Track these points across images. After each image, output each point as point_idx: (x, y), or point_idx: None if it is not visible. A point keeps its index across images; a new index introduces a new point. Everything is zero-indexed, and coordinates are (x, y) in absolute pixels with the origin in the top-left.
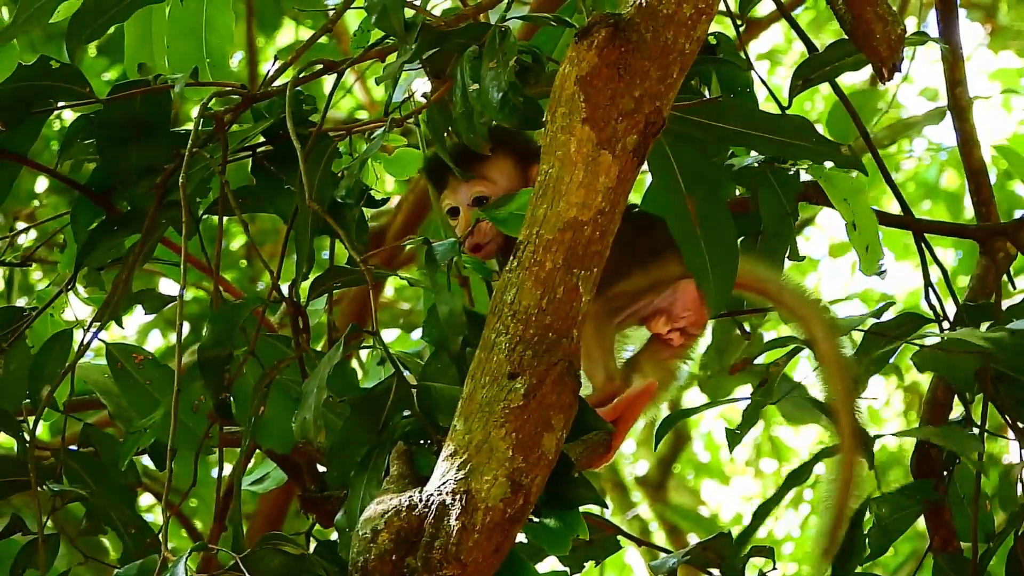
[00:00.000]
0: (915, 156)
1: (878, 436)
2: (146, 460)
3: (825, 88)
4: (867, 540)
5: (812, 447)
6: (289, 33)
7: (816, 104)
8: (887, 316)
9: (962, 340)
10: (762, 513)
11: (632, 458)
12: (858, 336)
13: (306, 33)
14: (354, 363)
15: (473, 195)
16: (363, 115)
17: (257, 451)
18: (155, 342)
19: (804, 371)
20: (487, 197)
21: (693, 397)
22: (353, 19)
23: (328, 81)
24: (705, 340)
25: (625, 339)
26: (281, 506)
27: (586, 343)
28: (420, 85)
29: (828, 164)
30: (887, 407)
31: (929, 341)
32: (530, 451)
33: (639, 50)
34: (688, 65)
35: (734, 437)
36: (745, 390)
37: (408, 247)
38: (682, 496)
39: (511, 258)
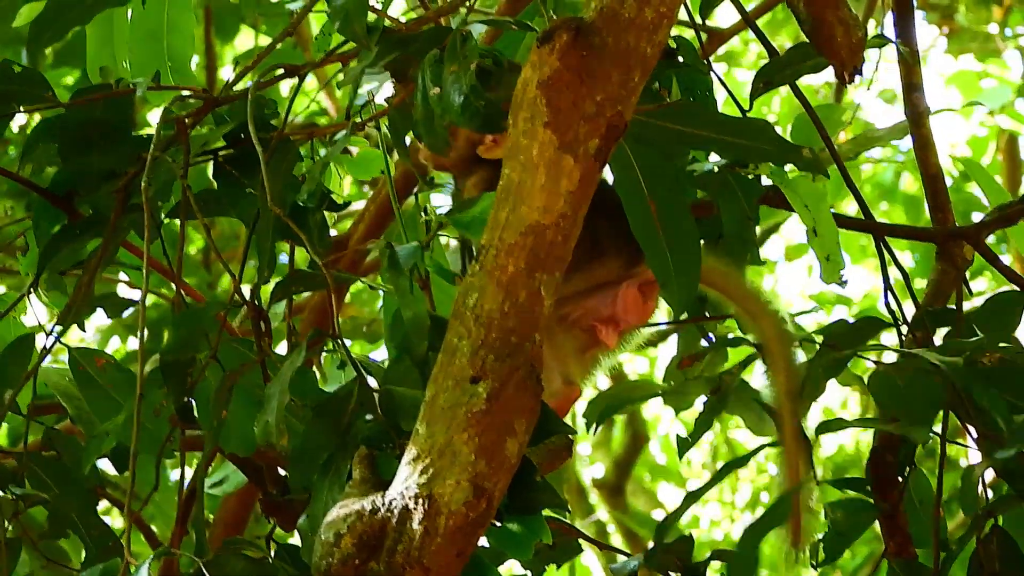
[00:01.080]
0: (872, 159)
1: (827, 425)
2: (104, 464)
3: (784, 91)
4: (822, 545)
5: (768, 450)
6: (246, 38)
7: (773, 107)
8: (845, 318)
9: (919, 358)
10: (692, 498)
11: (589, 460)
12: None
13: (265, 39)
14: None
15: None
16: (325, 120)
17: (218, 455)
18: (114, 347)
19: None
20: None
21: (656, 409)
22: (316, 23)
23: (288, 86)
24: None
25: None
26: (242, 511)
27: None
28: (381, 88)
29: (789, 169)
30: (843, 409)
31: (886, 357)
32: (493, 455)
33: (601, 54)
34: (649, 69)
35: (684, 444)
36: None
37: (371, 254)
38: (639, 499)
39: (473, 262)
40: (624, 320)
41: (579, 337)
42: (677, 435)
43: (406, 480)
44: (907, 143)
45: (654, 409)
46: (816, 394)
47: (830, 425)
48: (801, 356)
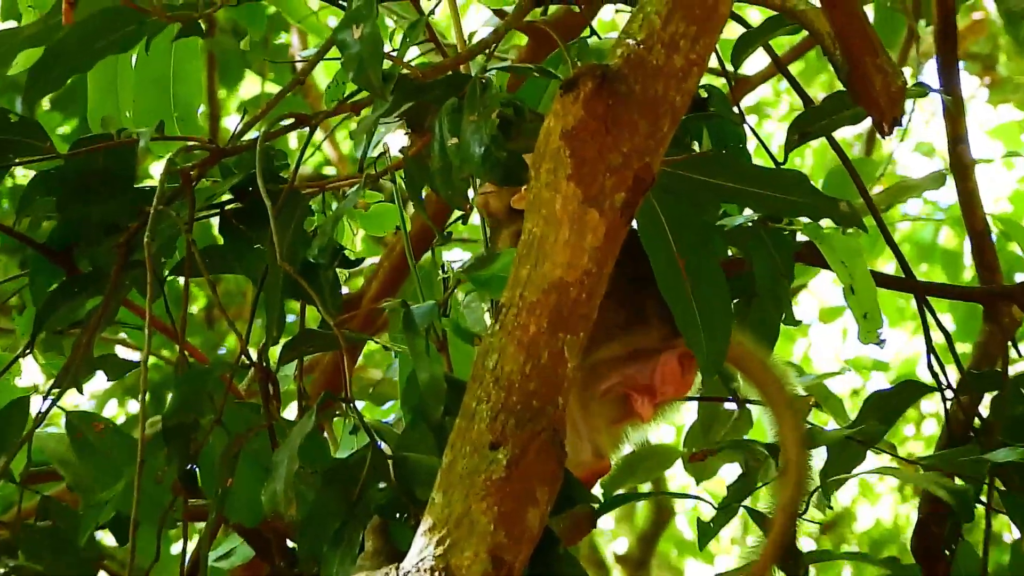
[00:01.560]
0: (911, 215)
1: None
2: (103, 535)
3: (815, 142)
4: None
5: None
6: (251, 86)
7: (806, 160)
8: (884, 384)
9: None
10: None
11: (612, 535)
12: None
13: (270, 86)
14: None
15: None
16: (331, 171)
17: (223, 525)
18: (111, 411)
19: None
20: None
21: (676, 474)
22: (320, 71)
23: (293, 138)
24: (688, 415)
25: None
26: None
27: (571, 416)
28: (394, 139)
29: (825, 223)
30: (881, 481)
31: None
32: (513, 525)
33: (627, 103)
34: (679, 119)
35: (707, 531)
36: (733, 469)
37: (385, 313)
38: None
39: (493, 322)
40: (662, 392)
41: (613, 406)
42: (698, 519)
43: (421, 551)
44: (947, 198)
45: (680, 479)
46: (837, 486)
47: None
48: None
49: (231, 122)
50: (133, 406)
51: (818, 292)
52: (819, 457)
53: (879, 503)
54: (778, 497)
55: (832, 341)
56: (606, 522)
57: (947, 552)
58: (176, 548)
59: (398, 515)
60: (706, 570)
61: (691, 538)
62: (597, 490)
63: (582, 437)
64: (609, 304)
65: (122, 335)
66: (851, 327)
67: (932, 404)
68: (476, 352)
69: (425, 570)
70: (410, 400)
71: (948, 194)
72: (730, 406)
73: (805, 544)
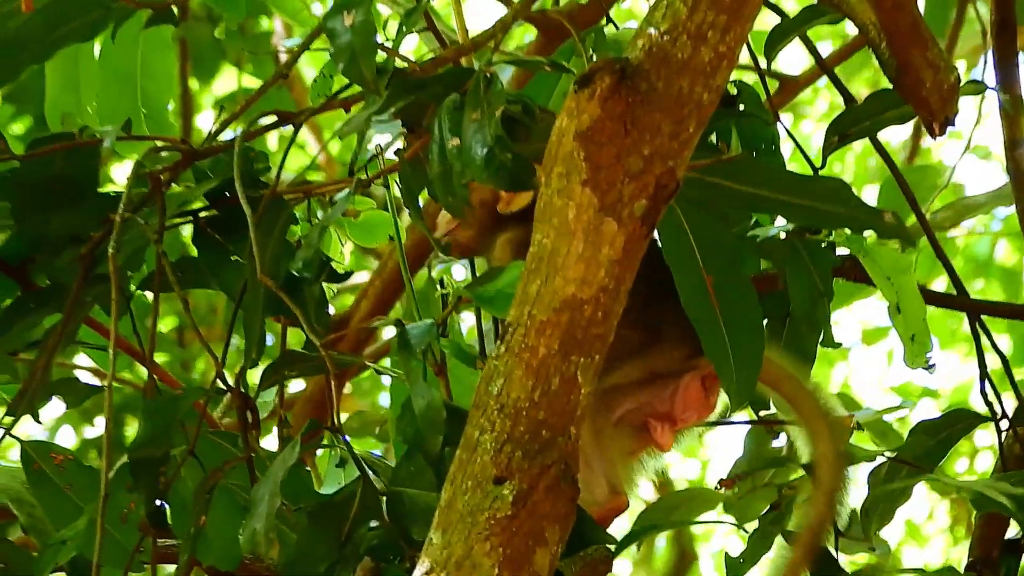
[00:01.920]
0: (964, 230)
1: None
2: None
3: (857, 147)
4: None
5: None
6: (228, 80)
7: (847, 165)
8: (933, 413)
9: None
10: None
11: None
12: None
13: (249, 80)
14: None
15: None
16: (318, 176)
17: (195, 568)
18: (65, 439)
19: None
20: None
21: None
22: (306, 63)
23: (274, 138)
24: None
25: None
26: None
27: (584, 448)
28: (383, 139)
29: (868, 236)
30: (930, 520)
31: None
32: (520, 569)
33: (649, 101)
34: (706, 119)
35: (735, 568)
36: None
37: (377, 332)
38: None
39: (498, 343)
40: (682, 419)
41: (628, 435)
42: (726, 555)
43: None
44: (1005, 209)
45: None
46: (886, 520)
47: None
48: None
49: (205, 120)
50: (90, 432)
51: (859, 309)
52: (859, 486)
53: (928, 546)
54: (807, 517)
55: (876, 365)
56: (622, 566)
57: None
58: None
59: (392, 558)
60: None
61: None
62: (614, 529)
63: (595, 471)
64: (623, 322)
65: (80, 357)
66: (897, 349)
67: (987, 436)
68: (479, 377)
69: None
70: (405, 430)
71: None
72: (777, 444)
73: None
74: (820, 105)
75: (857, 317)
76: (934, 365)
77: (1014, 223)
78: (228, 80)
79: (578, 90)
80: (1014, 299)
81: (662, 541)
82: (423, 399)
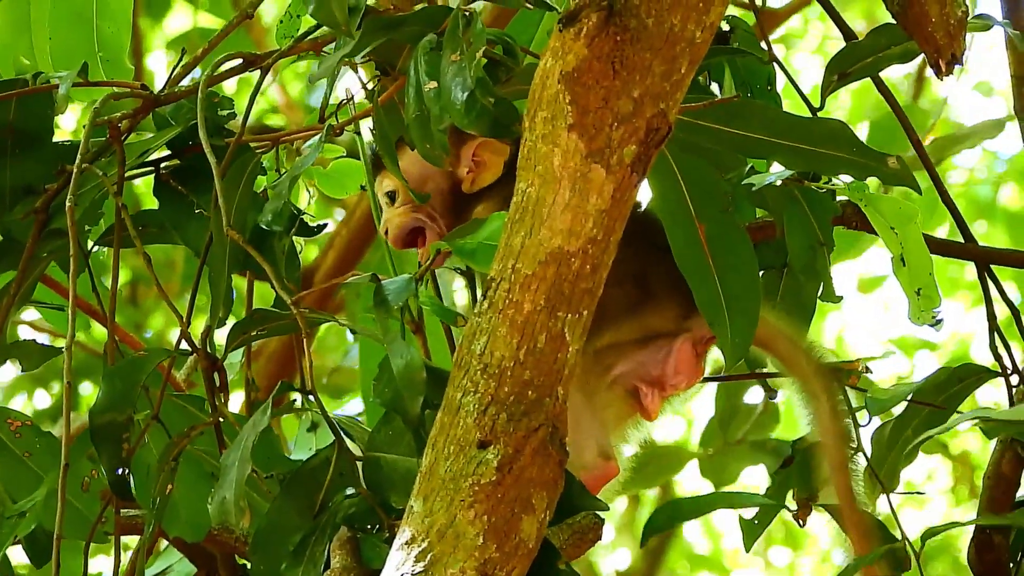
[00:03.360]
0: (966, 168)
1: (932, 531)
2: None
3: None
4: None
5: (835, 533)
6: (182, 17)
7: (842, 103)
8: (934, 368)
9: None
10: None
11: (611, 546)
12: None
13: (206, 18)
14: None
15: (384, 190)
16: (278, 120)
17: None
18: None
19: None
20: (394, 191)
21: (690, 476)
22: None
23: (230, 84)
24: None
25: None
26: None
27: (574, 410)
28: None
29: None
30: (929, 481)
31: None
32: (505, 537)
33: (639, 40)
34: (699, 58)
35: (750, 530)
36: (757, 471)
37: (349, 285)
38: None
39: (481, 299)
40: (672, 384)
41: (619, 399)
42: (740, 518)
43: (398, 568)
44: (1008, 147)
45: (692, 483)
46: (907, 462)
47: (935, 529)
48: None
49: (156, 63)
50: (42, 399)
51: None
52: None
53: (927, 508)
54: (835, 488)
55: (872, 316)
56: (606, 533)
57: (1012, 565)
58: (104, 567)
59: (370, 527)
60: None
61: (702, 550)
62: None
63: (586, 434)
64: (615, 276)
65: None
66: (893, 300)
67: (994, 392)
68: (461, 335)
69: None
70: (383, 392)
71: (1010, 143)
72: (752, 400)
73: (840, 557)
74: (809, 39)
75: (853, 266)
76: (941, 321)
77: (1019, 165)
78: (180, 18)
79: (563, 29)
80: (1021, 245)
81: (648, 507)
82: (401, 359)
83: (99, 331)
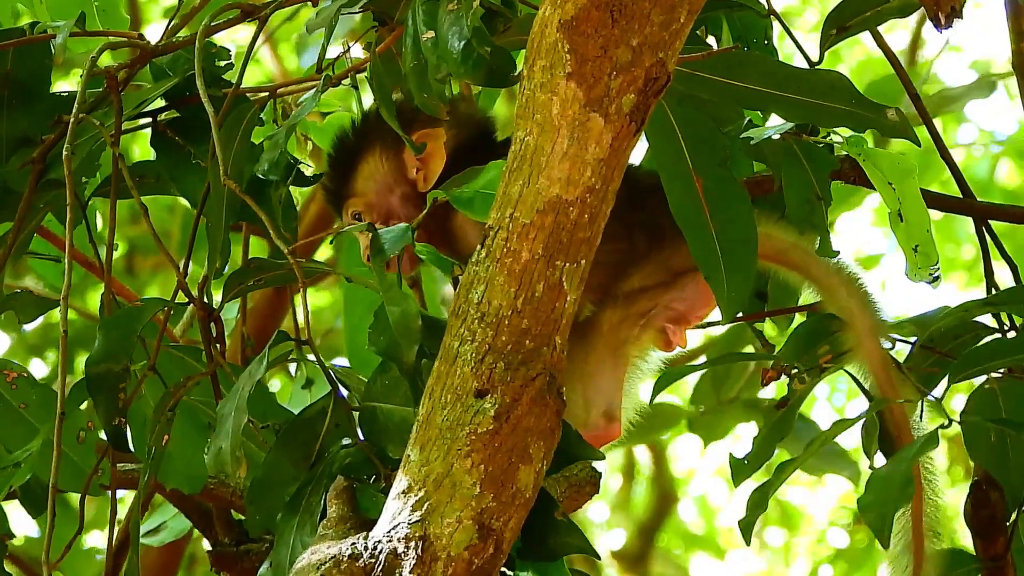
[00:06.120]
0: (963, 146)
1: None
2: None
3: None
4: None
5: (832, 512)
6: None
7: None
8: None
9: None
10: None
11: (606, 526)
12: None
13: None
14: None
15: (351, 213)
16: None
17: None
18: None
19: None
20: (359, 213)
21: (688, 462)
22: None
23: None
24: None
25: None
26: (169, 564)
27: (594, 364)
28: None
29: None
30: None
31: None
32: (502, 487)
33: None
34: (698, 7)
35: (741, 469)
36: (749, 428)
37: (338, 234)
38: (667, 573)
39: (479, 248)
40: (698, 315)
41: (649, 340)
42: (731, 456)
43: (395, 518)
44: (1005, 127)
45: (685, 462)
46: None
47: None
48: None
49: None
50: (38, 368)
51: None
52: None
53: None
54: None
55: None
56: (599, 512)
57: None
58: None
59: (366, 476)
60: (714, 565)
61: (697, 530)
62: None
63: (597, 391)
64: (633, 218)
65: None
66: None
67: None
68: (459, 284)
69: (399, 539)
70: (378, 341)
71: (1006, 123)
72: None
73: (836, 536)
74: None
75: (851, 242)
76: (938, 278)
77: (1016, 144)
78: None
79: None
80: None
81: (642, 485)
82: (397, 307)
83: (95, 304)
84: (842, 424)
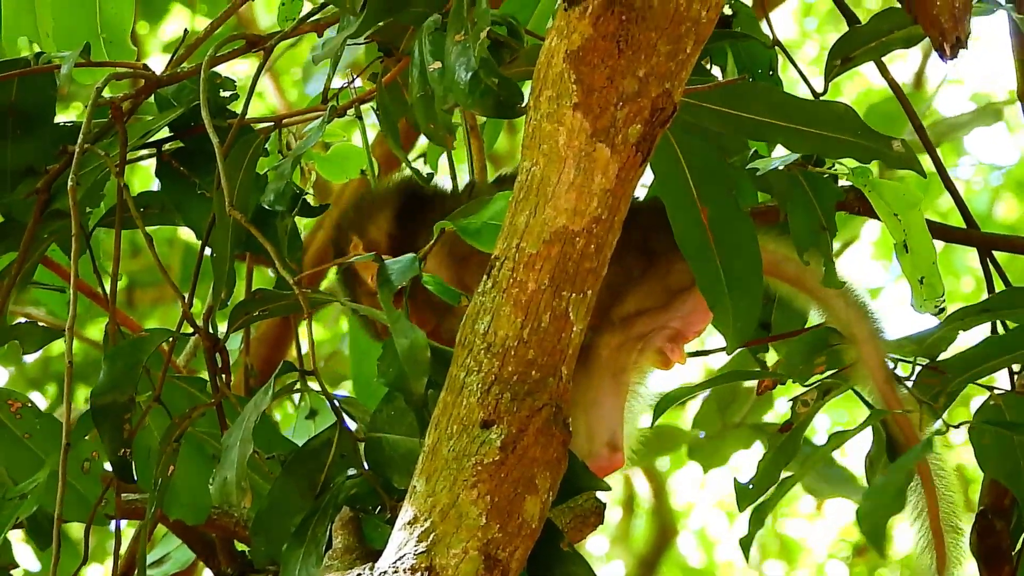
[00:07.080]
0: (963, 180)
1: None
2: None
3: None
4: None
5: (831, 545)
6: (179, 19)
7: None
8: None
9: None
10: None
11: (605, 558)
12: None
13: (203, 22)
14: None
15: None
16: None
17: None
18: None
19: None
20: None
21: (688, 496)
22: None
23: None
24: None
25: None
26: None
27: (597, 392)
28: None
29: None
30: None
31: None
32: (508, 518)
33: (644, 19)
34: (704, 38)
35: (746, 494)
36: (750, 454)
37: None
38: None
39: (485, 278)
40: (695, 331)
41: (647, 362)
42: (735, 481)
43: (401, 548)
44: (1006, 158)
45: (684, 496)
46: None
47: None
48: None
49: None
50: (37, 401)
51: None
52: None
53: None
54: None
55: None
56: (599, 545)
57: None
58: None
59: (372, 507)
60: None
61: (696, 563)
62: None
63: (600, 420)
64: (631, 239)
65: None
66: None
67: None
68: (465, 314)
69: (405, 570)
70: (387, 372)
71: (1006, 155)
72: (751, 382)
73: (836, 569)
74: (809, 23)
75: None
76: (944, 310)
77: (1016, 176)
78: (179, 20)
79: (568, 7)
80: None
81: (642, 518)
82: (406, 338)
83: (96, 335)
84: (840, 436)
